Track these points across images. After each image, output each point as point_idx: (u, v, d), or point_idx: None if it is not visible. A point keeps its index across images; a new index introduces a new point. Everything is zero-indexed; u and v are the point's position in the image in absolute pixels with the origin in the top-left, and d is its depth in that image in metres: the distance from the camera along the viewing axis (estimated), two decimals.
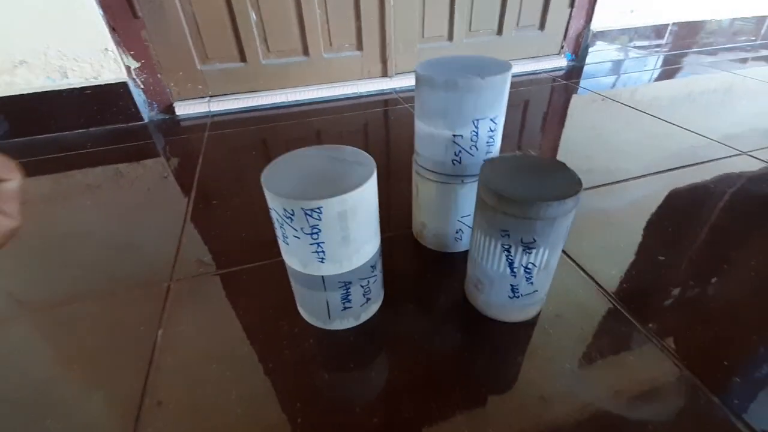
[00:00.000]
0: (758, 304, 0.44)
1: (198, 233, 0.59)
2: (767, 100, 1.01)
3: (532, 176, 0.36)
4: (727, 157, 0.74)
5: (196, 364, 0.40)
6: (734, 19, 1.43)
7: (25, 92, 0.88)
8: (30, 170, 0.82)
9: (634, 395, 0.36)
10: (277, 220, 0.34)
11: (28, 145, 0.91)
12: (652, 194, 0.64)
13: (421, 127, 0.44)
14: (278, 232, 0.36)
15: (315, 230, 0.33)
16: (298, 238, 0.34)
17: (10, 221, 0.18)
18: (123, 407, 0.36)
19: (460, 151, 0.43)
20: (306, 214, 0.32)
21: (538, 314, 0.43)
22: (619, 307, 0.44)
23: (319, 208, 0.32)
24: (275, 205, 0.33)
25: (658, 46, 1.41)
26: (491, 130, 0.42)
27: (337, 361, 0.40)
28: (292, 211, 0.32)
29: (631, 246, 0.53)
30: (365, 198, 0.34)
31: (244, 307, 0.46)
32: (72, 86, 0.90)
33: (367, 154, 0.38)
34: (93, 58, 0.88)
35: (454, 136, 0.42)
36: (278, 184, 0.33)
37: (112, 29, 0.88)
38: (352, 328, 0.43)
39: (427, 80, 0.40)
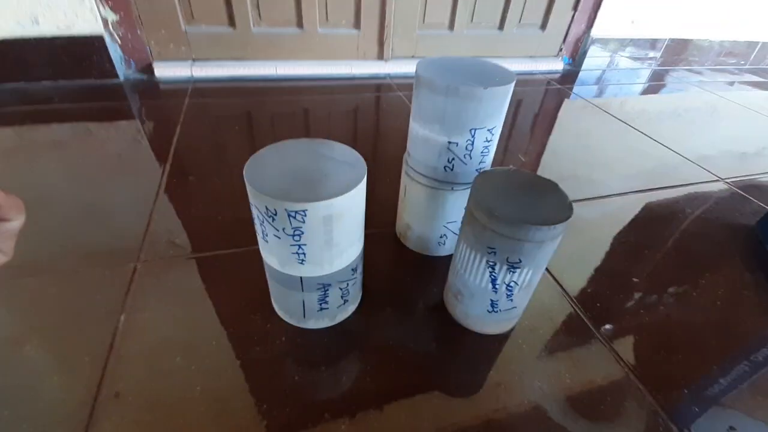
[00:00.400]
0: (722, 331, 0.46)
1: (170, 211, 0.56)
2: (746, 124, 1.04)
3: (524, 195, 0.35)
4: (704, 182, 0.76)
5: (160, 355, 0.38)
6: (727, 41, 1.46)
7: None
8: None
9: (598, 417, 0.36)
10: (258, 217, 0.33)
11: None
12: (631, 214, 0.65)
13: (416, 128, 0.43)
14: (258, 229, 0.34)
15: (297, 232, 0.32)
16: (279, 238, 0.33)
17: (2, 257, 0.18)
18: (79, 396, 0.34)
19: (453, 159, 0.42)
20: (289, 215, 0.30)
21: (513, 327, 0.44)
22: (591, 326, 0.45)
23: (303, 211, 0.30)
24: (257, 203, 0.31)
25: (652, 59, 1.42)
26: (487, 141, 0.41)
27: (308, 362, 0.39)
28: (275, 210, 0.30)
29: (608, 265, 0.54)
30: (353, 203, 0.33)
31: (215, 296, 0.44)
32: (43, 34, 0.82)
33: (358, 155, 0.36)
34: (67, 6, 0.81)
35: (449, 142, 0.40)
36: (262, 179, 0.31)
37: None
38: (327, 328, 0.42)
39: (427, 82, 0.38)
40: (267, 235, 0.33)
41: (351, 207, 0.33)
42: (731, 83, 1.36)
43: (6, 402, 0.33)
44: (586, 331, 0.44)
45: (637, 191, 0.71)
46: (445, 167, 0.43)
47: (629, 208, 0.66)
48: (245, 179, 0.31)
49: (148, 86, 0.94)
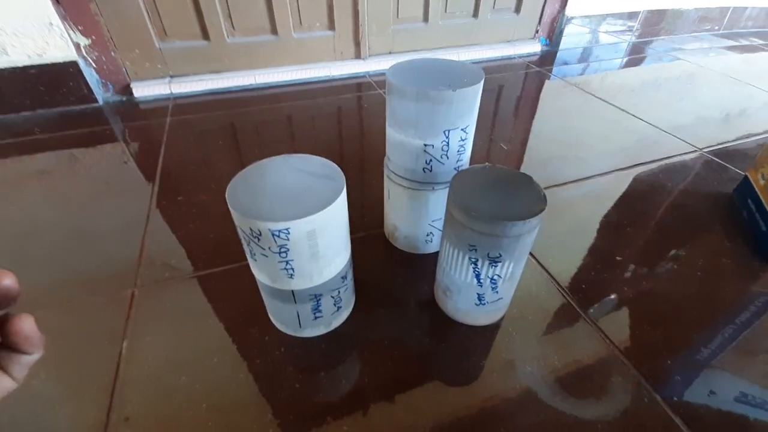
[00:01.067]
0: (703, 300, 0.48)
1: (162, 233, 0.57)
2: (723, 90, 1.05)
3: (500, 191, 0.37)
4: (682, 153, 0.77)
5: (165, 377, 0.39)
6: (701, 8, 1.46)
7: None
8: None
9: (586, 394, 0.38)
10: (244, 238, 0.34)
11: None
12: (613, 192, 0.66)
13: (392, 134, 0.44)
14: (246, 249, 0.35)
15: (283, 249, 0.33)
16: (266, 256, 0.34)
17: (12, 385, 0.19)
18: (88, 425, 0.35)
19: (431, 160, 0.43)
20: (273, 234, 0.32)
21: (503, 317, 0.45)
22: (577, 308, 0.47)
23: (287, 230, 0.31)
24: (242, 225, 0.32)
25: (629, 32, 1.42)
26: (462, 140, 0.42)
27: (308, 369, 0.40)
28: (259, 231, 0.32)
29: (592, 246, 0.56)
30: (334, 216, 0.34)
31: (213, 314, 0.45)
32: (13, 64, 0.82)
33: (336, 167, 0.37)
34: (36, 33, 0.80)
35: (425, 145, 0.42)
36: (244, 201, 0.32)
37: (56, 1, 0.80)
38: (323, 334, 0.43)
39: (398, 90, 0.39)
40: (255, 254, 0.35)
41: (333, 220, 0.34)
42: (708, 49, 1.37)
43: None
44: (572, 314, 0.46)
45: (618, 170, 0.72)
46: (423, 169, 0.44)
47: (611, 187, 0.68)
48: (228, 203, 0.32)
49: (129, 107, 0.94)
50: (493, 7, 1.20)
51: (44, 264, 0.52)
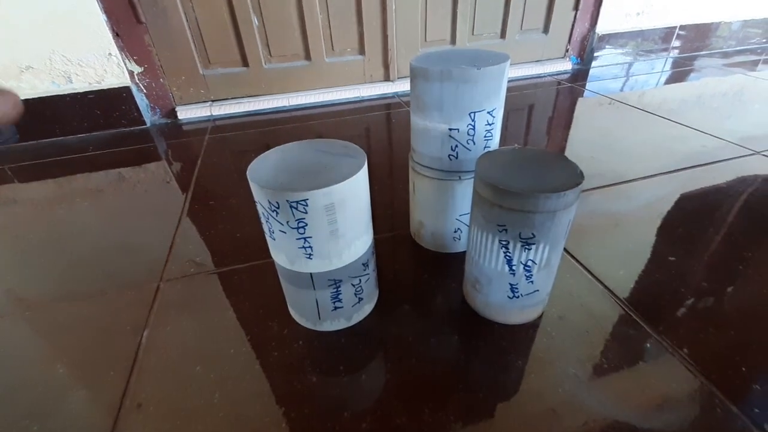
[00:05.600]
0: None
1: (192, 233, 0.58)
2: None
3: (531, 169, 0.34)
4: (740, 156, 0.71)
5: (180, 366, 0.38)
6: (745, 20, 1.41)
7: (30, 97, 0.89)
8: (34, 174, 0.82)
9: (645, 403, 0.33)
10: (263, 213, 0.33)
11: (33, 149, 0.91)
12: (661, 195, 0.61)
13: (416, 121, 0.43)
14: (265, 227, 0.35)
15: (301, 224, 0.32)
16: (284, 232, 0.33)
17: None
18: (102, 409, 0.34)
19: (456, 146, 0.41)
20: (291, 206, 0.31)
21: (540, 317, 0.41)
22: (627, 309, 0.42)
23: (305, 200, 0.30)
24: (260, 198, 0.32)
25: (665, 49, 1.38)
26: (489, 124, 0.41)
27: (326, 364, 0.38)
28: (277, 203, 0.31)
29: (640, 247, 0.51)
30: (354, 190, 0.33)
31: (234, 307, 0.44)
32: (76, 91, 0.91)
33: (357, 147, 0.36)
34: (97, 63, 0.89)
35: (450, 129, 0.40)
36: (264, 176, 0.32)
37: (116, 34, 0.89)
38: (344, 329, 0.41)
39: (421, 72, 0.39)
40: (273, 232, 0.34)
41: (352, 194, 0.33)
42: (756, 62, 1.29)
43: (36, 417, 0.34)
44: (621, 316, 0.41)
45: (666, 172, 0.67)
46: (449, 156, 0.42)
47: (659, 191, 0.62)
48: (248, 177, 0.32)
49: (173, 129, 1.00)
50: (521, 28, 1.21)
51: (83, 263, 0.53)
